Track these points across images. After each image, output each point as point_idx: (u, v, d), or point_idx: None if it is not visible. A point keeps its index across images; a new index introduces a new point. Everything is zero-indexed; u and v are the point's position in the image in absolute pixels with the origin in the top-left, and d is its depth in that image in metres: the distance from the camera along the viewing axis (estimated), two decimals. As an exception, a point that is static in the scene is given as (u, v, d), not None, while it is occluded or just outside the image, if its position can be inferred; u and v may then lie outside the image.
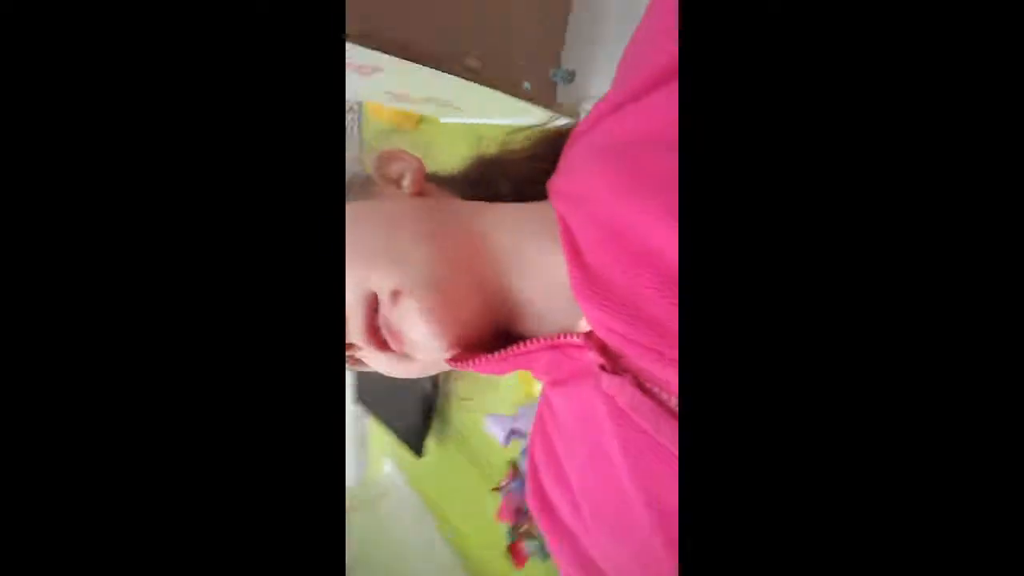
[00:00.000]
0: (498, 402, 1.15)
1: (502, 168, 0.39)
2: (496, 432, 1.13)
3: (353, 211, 0.33)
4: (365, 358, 0.34)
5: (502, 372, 0.33)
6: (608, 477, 0.29)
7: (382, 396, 1.46)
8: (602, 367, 0.28)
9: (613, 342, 0.27)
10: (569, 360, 0.30)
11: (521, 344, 0.31)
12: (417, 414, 1.33)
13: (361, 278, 0.31)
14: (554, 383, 0.33)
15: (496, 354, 0.31)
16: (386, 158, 0.37)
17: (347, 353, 0.34)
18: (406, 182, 0.36)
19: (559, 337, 0.29)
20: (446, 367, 0.34)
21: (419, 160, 0.36)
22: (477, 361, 0.31)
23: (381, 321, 0.31)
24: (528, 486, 0.35)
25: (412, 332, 0.31)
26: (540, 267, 0.32)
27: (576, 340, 0.29)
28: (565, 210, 0.31)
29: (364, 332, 0.31)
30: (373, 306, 0.31)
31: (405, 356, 0.33)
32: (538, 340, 0.30)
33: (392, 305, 0.31)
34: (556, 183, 0.33)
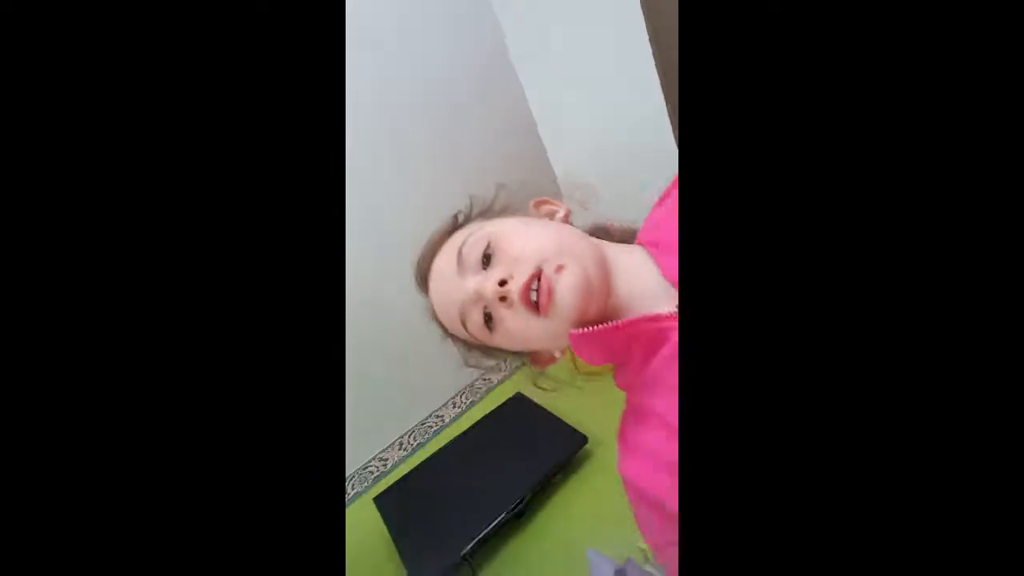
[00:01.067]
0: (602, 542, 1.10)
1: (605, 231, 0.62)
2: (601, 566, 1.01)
3: (525, 219, 0.54)
4: (505, 319, 0.48)
5: (608, 351, 0.48)
6: None
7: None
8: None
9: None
10: (659, 335, 0.45)
11: (625, 321, 0.46)
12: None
13: (535, 254, 0.47)
14: (643, 361, 0.47)
15: (609, 324, 0.46)
16: (543, 201, 0.59)
17: (495, 309, 0.48)
18: (559, 215, 0.57)
19: (659, 314, 0.45)
20: (563, 341, 0.49)
21: (567, 206, 0.58)
22: (595, 330, 0.46)
23: (541, 285, 0.45)
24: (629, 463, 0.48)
25: (564, 295, 0.45)
26: (633, 275, 0.50)
27: (668, 313, 0.45)
28: (653, 242, 0.52)
29: (522, 290, 0.46)
30: (536, 275, 0.46)
31: (542, 317, 0.46)
32: (640, 316, 0.46)
33: (556, 275, 0.45)
34: (641, 234, 0.55)
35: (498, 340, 0.51)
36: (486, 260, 0.49)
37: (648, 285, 0.49)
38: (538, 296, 0.45)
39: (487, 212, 0.59)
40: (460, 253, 0.50)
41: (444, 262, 0.53)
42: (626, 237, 0.59)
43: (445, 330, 0.56)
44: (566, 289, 0.45)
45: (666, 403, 0.45)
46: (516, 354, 0.57)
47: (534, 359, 0.58)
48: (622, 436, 0.51)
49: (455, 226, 0.57)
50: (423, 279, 0.56)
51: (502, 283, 0.47)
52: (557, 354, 0.56)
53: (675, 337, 0.45)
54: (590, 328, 0.46)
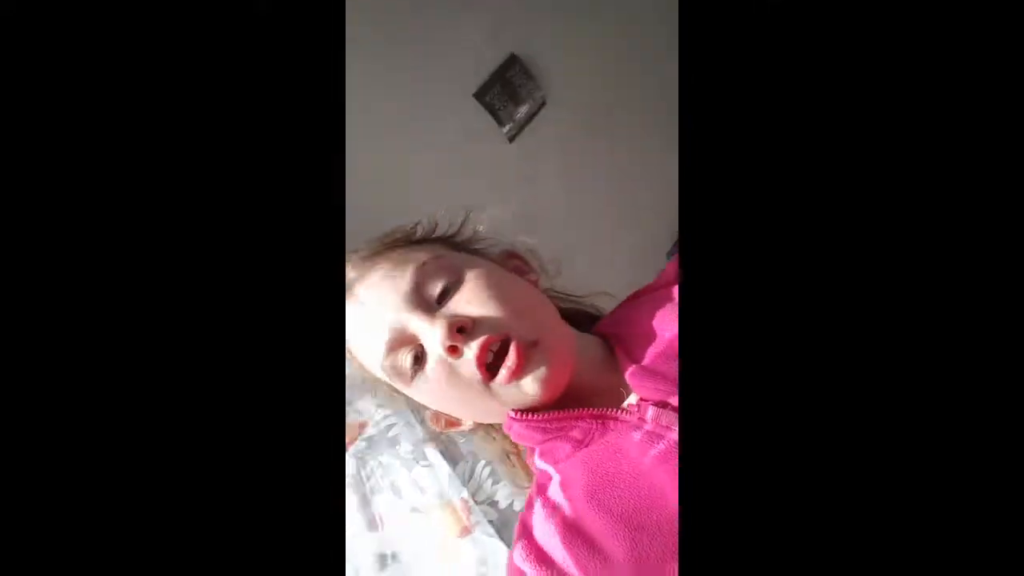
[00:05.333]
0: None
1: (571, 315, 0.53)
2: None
3: (499, 268, 0.45)
4: (439, 372, 0.40)
5: (544, 433, 0.42)
6: (652, 486, 0.37)
7: None
8: (640, 418, 0.40)
9: (654, 396, 0.40)
10: (600, 427, 0.41)
11: (573, 410, 0.41)
12: None
13: (511, 316, 0.40)
14: (577, 447, 0.42)
15: (551, 413, 0.41)
16: (514, 255, 0.50)
17: (433, 357, 0.40)
18: (528, 278, 0.48)
19: (608, 411, 0.41)
20: (492, 418, 0.45)
21: (537, 272, 0.50)
22: (536, 416, 0.41)
23: (511, 355, 0.38)
24: (523, 550, 0.41)
25: (530, 383, 0.39)
26: (591, 370, 0.44)
27: (624, 410, 0.41)
28: (617, 336, 0.46)
29: (481, 347, 0.38)
30: (503, 339, 0.38)
31: (487, 387, 0.39)
32: (587, 410, 0.41)
33: (528, 347, 0.39)
34: (605, 325, 0.50)
35: (415, 390, 0.42)
36: (443, 295, 0.40)
37: (604, 383, 0.42)
38: (502, 365, 0.37)
39: (451, 238, 0.48)
40: (416, 275, 0.40)
41: (391, 277, 0.41)
42: (573, 316, 0.50)
43: (347, 350, 0.45)
44: (536, 378, 0.38)
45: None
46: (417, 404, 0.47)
47: (437, 416, 0.49)
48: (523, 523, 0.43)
49: (411, 238, 0.47)
50: (350, 283, 0.44)
51: (460, 330, 0.38)
52: (469, 424, 0.49)
53: (620, 430, 0.40)
54: (532, 415, 0.40)
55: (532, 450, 0.45)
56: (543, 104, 1.28)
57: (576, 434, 0.41)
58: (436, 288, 0.40)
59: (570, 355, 0.42)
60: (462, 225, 0.48)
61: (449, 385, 0.40)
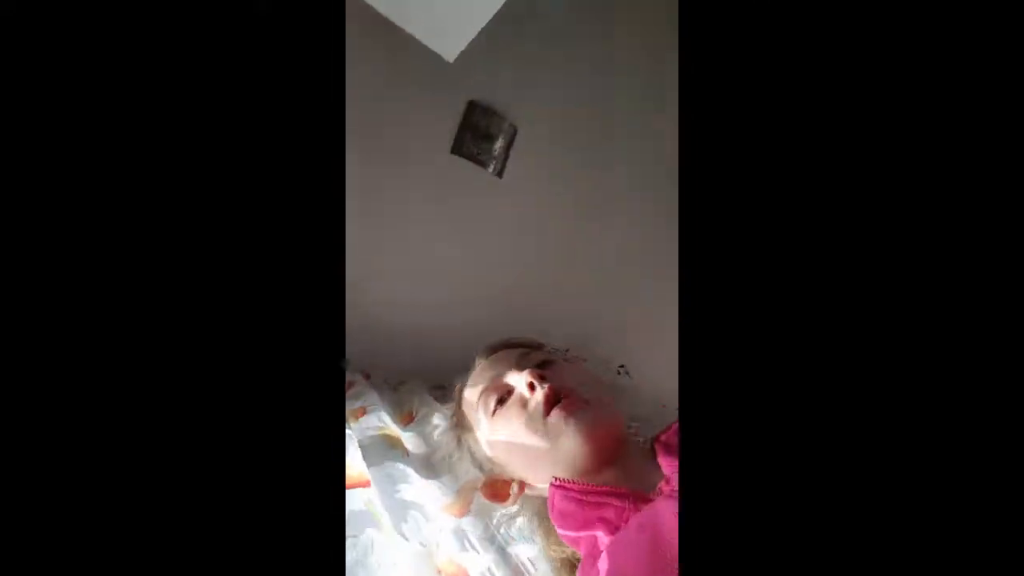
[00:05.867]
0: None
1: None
2: None
3: (574, 365, 0.63)
4: (512, 410, 0.56)
5: (580, 507, 0.49)
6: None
7: None
8: (672, 489, 0.46)
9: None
10: (632, 508, 0.47)
11: (611, 487, 0.50)
12: None
13: (576, 384, 0.56)
14: (610, 530, 0.47)
15: (590, 485, 0.50)
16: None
17: (515, 397, 0.57)
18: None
19: (640, 491, 0.49)
20: (540, 470, 0.55)
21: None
22: (575, 485, 0.50)
23: (567, 397, 0.54)
24: None
25: (579, 417, 0.52)
26: (634, 461, 0.54)
27: (656, 492, 0.47)
28: (659, 438, 0.56)
29: (550, 388, 0.55)
30: (567, 394, 0.55)
31: (544, 425, 0.53)
32: (623, 488, 0.49)
33: (582, 402, 0.54)
34: (664, 436, 0.58)
35: (493, 423, 0.57)
36: (540, 368, 0.57)
37: (646, 477, 0.51)
38: (559, 400, 0.52)
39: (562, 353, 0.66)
40: (526, 354, 0.60)
41: (512, 353, 0.61)
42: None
43: (460, 387, 0.67)
44: (582, 420, 0.51)
45: None
46: (479, 467, 0.64)
47: (490, 485, 0.63)
48: None
49: (533, 346, 0.66)
50: (489, 351, 0.66)
51: (541, 377, 0.54)
52: (515, 488, 0.60)
53: (654, 504, 0.45)
54: (572, 483, 0.51)
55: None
56: (515, 132, 1.34)
57: (610, 514, 0.48)
58: (536, 362, 0.58)
59: (615, 423, 0.55)
60: (566, 353, 0.67)
61: (519, 419, 0.53)
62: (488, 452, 0.61)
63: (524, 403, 0.55)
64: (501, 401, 0.57)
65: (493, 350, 0.65)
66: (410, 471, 0.77)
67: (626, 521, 0.46)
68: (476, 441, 0.62)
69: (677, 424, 0.56)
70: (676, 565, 0.39)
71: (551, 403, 0.53)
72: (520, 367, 0.57)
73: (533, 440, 0.53)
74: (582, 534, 0.49)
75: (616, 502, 0.48)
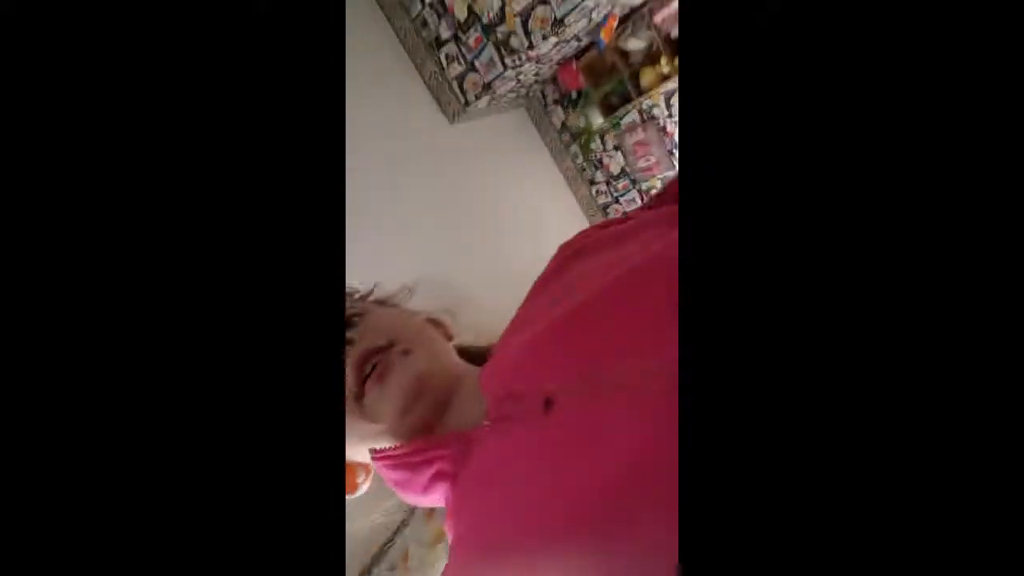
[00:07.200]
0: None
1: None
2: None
3: (405, 311, 0.55)
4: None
5: (415, 471, 0.43)
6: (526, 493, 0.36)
7: None
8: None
9: (493, 390, 0.42)
10: (463, 451, 0.41)
11: (434, 438, 0.43)
12: None
13: (389, 331, 0.45)
14: (451, 481, 0.42)
15: (416, 442, 0.43)
16: (438, 322, 0.56)
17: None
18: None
19: (462, 432, 0.42)
20: (368, 441, 0.45)
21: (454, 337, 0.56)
22: (393, 449, 0.43)
23: (379, 361, 0.43)
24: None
25: (396, 380, 0.43)
26: (465, 406, 0.45)
27: (483, 425, 0.41)
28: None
29: (360, 355, 0.43)
30: (382, 350, 0.44)
31: (359, 403, 0.43)
32: (450, 433, 0.43)
33: (399, 357, 0.44)
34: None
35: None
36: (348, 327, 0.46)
37: (471, 416, 0.43)
38: (372, 370, 0.42)
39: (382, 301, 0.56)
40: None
41: None
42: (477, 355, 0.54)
43: None
44: (401, 372, 0.43)
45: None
46: None
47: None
48: None
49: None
50: None
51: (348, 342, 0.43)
52: (360, 479, 0.51)
53: (481, 444, 0.40)
54: (388, 449, 0.43)
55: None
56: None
57: (445, 466, 0.42)
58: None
59: (445, 375, 0.46)
60: (391, 296, 0.57)
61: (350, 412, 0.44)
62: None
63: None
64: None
65: None
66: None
67: (463, 466, 0.41)
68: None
69: (498, 347, 0.49)
70: (531, 506, 0.34)
71: (362, 376, 0.43)
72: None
73: (363, 428, 0.45)
74: (432, 496, 0.43)
75: (443, 451, 0.42)
